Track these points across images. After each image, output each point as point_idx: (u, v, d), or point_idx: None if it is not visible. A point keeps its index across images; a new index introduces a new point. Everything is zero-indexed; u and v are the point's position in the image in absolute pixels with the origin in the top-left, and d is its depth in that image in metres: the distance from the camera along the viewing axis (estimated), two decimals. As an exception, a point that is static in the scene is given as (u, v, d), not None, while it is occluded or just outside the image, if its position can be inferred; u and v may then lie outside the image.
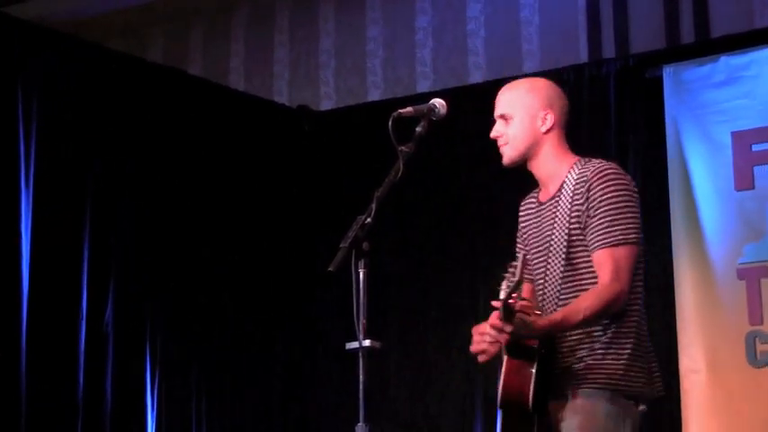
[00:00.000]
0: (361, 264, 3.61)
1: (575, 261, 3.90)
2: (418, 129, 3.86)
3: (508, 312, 3.59)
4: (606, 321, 3.86)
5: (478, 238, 7.07)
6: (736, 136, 6.42)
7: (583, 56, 7.25)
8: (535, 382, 3.75)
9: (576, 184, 3.92)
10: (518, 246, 4.22)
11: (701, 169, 6.50)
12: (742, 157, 6.40)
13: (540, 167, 4.05)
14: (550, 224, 3.99)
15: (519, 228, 4.21)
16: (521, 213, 4.21)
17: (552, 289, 3.95)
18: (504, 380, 3.80)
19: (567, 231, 3.91)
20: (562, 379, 3.86)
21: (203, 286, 7.02)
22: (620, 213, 3.84)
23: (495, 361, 4.14)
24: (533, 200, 4.15)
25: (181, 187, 6.95)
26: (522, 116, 4.02)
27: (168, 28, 8.79)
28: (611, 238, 3.82)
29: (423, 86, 7.77)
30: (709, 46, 6.74)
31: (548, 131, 4.02)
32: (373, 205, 3.65)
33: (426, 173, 6.97)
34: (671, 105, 6.63)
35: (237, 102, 7.68)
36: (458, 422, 7.08)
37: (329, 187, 7.72)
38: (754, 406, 6.18)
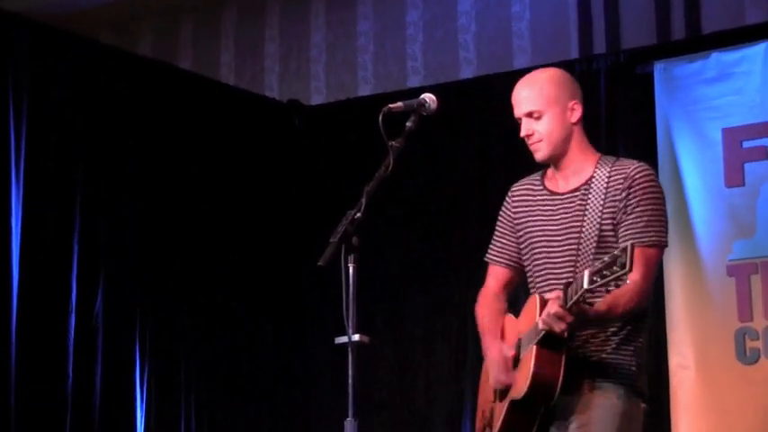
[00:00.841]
0: (351, 258, 3.58)
1: (603, 256, 3.82)
2: (408, 124, 3.83)
3: (571, 302, 3.61)
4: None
5: (469, 233, 7.06)
6: (727, 132, 6.43)
7: (573, 51, 7.25)
8: (564, 372, 3.74)
9: (612, 179, 3.92)
10: (500, 229, 4.18)
11: (692, 166, 6.50)
12: (732, 153, 6.41)
13: (567, 160, 4.03)
14: (578, 216, 3.95)
15: (508, 211, 4.17)
16: (514, 198, 4.15)
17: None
18: (535, 369, 3.74)
19: (598, 225, 3.89)
20: (574, 371, 3.82)
21: (193, 280, 7.01)
22: (657, 215, 3.89)
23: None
24: (536, 188, 4.11)
25: (171, 182, 6.94)
26: (554, 110, 3.99)
27: (158, 22, 8.77)
28: (646, 238, 3.84)
29: (413, 81, 7.76)
30: (700, 42, 6.74)
31: (576, 122, 4.02)
32: (363, 200, 3.63)
33: (416, 168, 6.97)
34: (661, 101, 6.63)
35: (228, 96, 7.67)
36: (446, 416, 7.09)
37: (319, 182, 7.71)
38: (743, 402, 6.19)
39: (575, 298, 3.59)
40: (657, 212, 3.89)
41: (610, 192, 3.90)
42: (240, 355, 7.28)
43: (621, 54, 6.93)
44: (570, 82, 4.08)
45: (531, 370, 3.75)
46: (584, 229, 3.93)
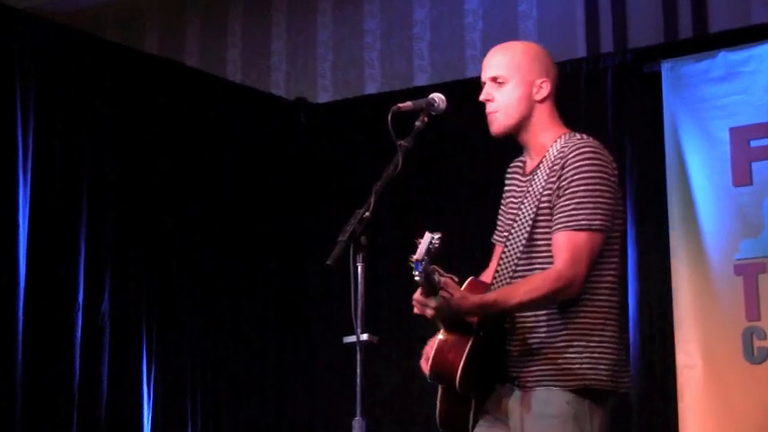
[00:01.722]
0: (360, 258, 3.54)
1: (536, 240, 3.71)
2: (417, 123, 3.76)
3: (431, 288, 3.50)
4: (572, 310, 3.65)
5: (473, 231, 7.05)
6: (734, 131, 6.41)
7: (581, 50, 7.24)
8: (465, 361, 3.60)
9: (555, 159, 3.71)
10: (500, 209, 4.02)
11: (699, 165, 6.49)
12: (740, 152, 6.40)
13: (529, 139, 3.84)
14: (521, 198, 3.83)
15: (504, 190, 4.03)
16: (507, 176, 4.02)
17: (508, 265, 3.78)
18: (436, 353, 3.66)
19: (535, 208, 3.71)
20: (514, 365, 3.70)
21: (200, 279, 7.02)
22: (589, 196, 3.63)
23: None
24: (519, 168, 3.96)
25: (178, 179, 6.94)
26: (518, 81, 3.82)
27: (165, 20, 8.77)
28: (574, 222, 3.62)
29: (420, 80, 7.76)
30: (707, 41, 6.73)
31: (542, 101, 3.82)
32: (372, 199, 3.57)
33: (422, 166, 6.97)
34: (669, 100, 6.62)
35: (235, 94, 7.67)
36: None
37: (326, 180, 7.71)
38: (751, 402, 6.18)
39: (423, 285, 3.51)
40: (591, 193, 3.62)
41: (551, 173, 3.70)
42: (246, 354, 7.29)
43: (628, 53, 6.92)
44: (546, 59, 3.89)
45: (433, 352, 3.68)
46: (521, 212, 3.79)
